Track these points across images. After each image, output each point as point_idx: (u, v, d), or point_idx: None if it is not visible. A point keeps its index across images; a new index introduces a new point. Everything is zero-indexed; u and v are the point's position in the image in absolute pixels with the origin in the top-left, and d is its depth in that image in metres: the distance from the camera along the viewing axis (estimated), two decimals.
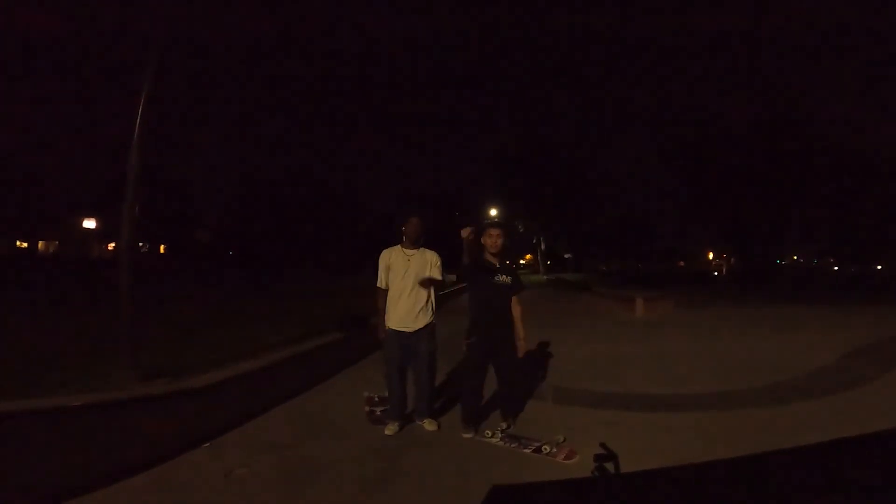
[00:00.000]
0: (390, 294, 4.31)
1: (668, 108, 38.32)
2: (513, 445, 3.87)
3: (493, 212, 39.76)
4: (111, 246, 43.48)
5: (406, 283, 4.25)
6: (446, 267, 4.51)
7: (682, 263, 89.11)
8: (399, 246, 4.41)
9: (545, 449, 3.70)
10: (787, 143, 31.89)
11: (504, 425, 4.20)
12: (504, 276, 4.27)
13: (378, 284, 4.38)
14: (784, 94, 34.45)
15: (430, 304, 4.32)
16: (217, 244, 52.17)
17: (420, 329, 4.24)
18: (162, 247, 48.74)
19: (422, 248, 4.39)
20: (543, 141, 49.55)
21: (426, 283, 4.27)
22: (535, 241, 55.11)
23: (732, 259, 54.14)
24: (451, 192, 61.27)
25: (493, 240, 4.29)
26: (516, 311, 4.33)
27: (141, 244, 40.47)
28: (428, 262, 4.35)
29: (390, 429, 4.19)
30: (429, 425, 4.26)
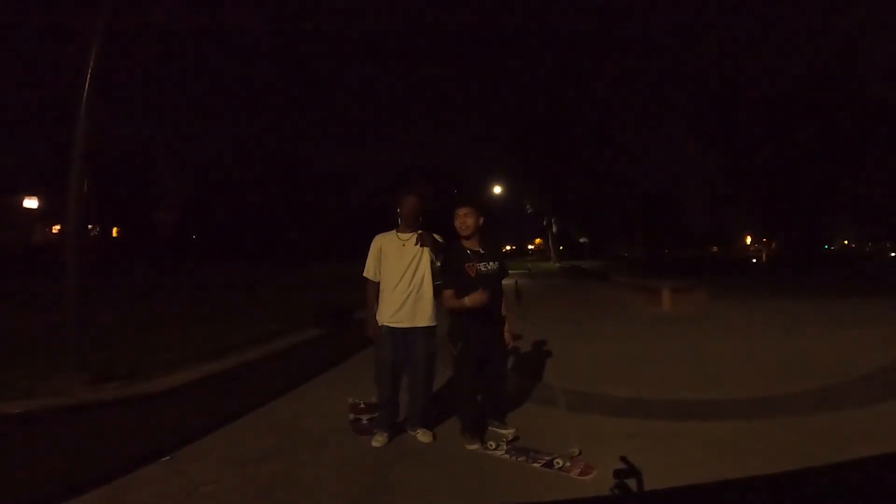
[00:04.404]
0: (383, 285, 4.29)
1: (696, 66, 37.60)
2: (520, 459, 3.87)
3: (497, 189, 39.80)
4: (56, 229, 43.35)
5: (400, 271, 4.23)
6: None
7: (715, 249, 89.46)
8: (394, 231, 4.39)
9: (557, 463, 3.71)
10: (837, 103, 31.26)
11: (509, 435, 4.21)
12: (490, 263, 4.26)
13: (365, 274, 4.36)
14: (834, 45, 33.61)
15: (428, 297, 4.29)
16: (179, 227, 52.08)
17: (418, 328, 4.23)
18: (115, 230, 48.62)
19: (419, 232, 4.35)
20: (556, 105, 49.08)
21: (426, 237, 4.18)
22: (545, 222, 54.97)
23: (773, 244, 54.21)
24: (451, 169, 61.37)
25: (460, 220, 4.25)
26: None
27: (91, 227, 40.34)
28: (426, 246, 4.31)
29: (378, 440, 4.20)
30: (423, 436, 4.26)
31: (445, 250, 4.29)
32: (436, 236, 4.26)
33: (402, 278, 4.23)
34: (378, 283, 4.33)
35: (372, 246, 4.38)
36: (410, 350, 4.24)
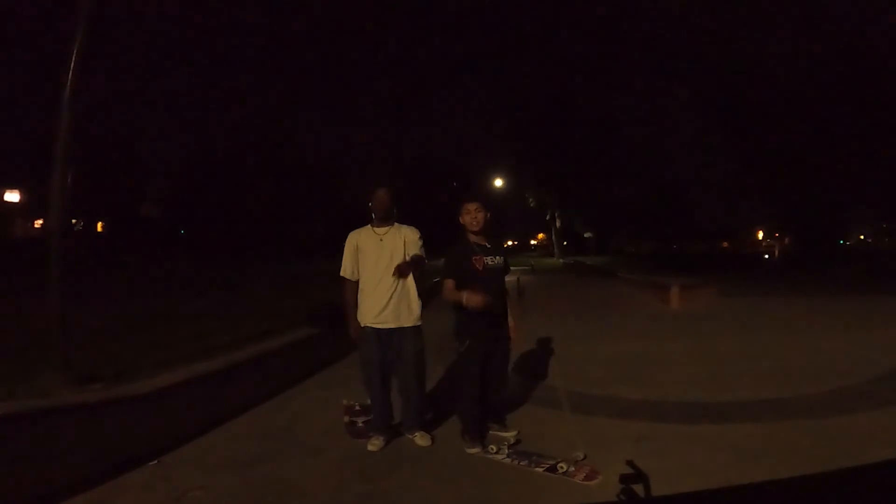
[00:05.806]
0: (363, 283, 4.27)
1: (706, 48, 36.90)
2: (522, 463, 3.87)
3: (499, 182, 39.77)
4: (38, 223, 43.30)
5: (381, 268, 4.20)
6: (436, 249, 4.46)
7: (726, 244, 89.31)
8: (368, 226, 4.36)
9: (561, 467, 3.71)
10: (854, 88, 30.91)
11: (511, 439, 4.21)
12: (496, 258, 4.29)
13: (342, 273, 4.34)
14: (852, 24, 33.15)
15: (413, 295, 4.27)
16: (167, 222, 51.99)
17: (403, 328, 4.21)
18: (100, 224, 48.55)
19: (396, 225, 4.33)
20: (559, 92, 48.77)
21: (405, 268, 4.16)
22: (548, 216, 54.86)
23: (787, 239, 54.18)
24: (449, 161, 61.23)
25: (471, 216, 4.26)
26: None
27: (74, 221, 40.28)
28: (405, 241, 4.27)
29: (374, 443, 4.19)
30: (420, 439, 4.26)
31: (422, 261, 4.30)
32: (412, 230, 4.29)
33: (383, 276, 4.19)
34: (356, 283, 4.30)
35: (347, 244, 4.34)
36: (398, 350, 4.22)
